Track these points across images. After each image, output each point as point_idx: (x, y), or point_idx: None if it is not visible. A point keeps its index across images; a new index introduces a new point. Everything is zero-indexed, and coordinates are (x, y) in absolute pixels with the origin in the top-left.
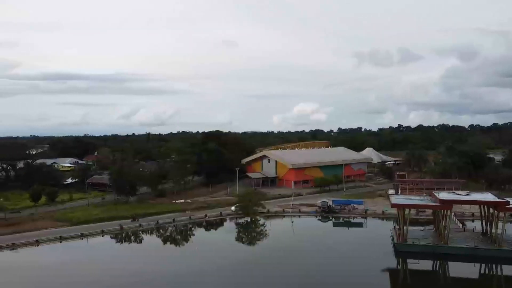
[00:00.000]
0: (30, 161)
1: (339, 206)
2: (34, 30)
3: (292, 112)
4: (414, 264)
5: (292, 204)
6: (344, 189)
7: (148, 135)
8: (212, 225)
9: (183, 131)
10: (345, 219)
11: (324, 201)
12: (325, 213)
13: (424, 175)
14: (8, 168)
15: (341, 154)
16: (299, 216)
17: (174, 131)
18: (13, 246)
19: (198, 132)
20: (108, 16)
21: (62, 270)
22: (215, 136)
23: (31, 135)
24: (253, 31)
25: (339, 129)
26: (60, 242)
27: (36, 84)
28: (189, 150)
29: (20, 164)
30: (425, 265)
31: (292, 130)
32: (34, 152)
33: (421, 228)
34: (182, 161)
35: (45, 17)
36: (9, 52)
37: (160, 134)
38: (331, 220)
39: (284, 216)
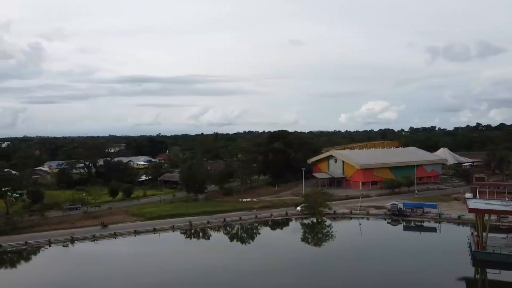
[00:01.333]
0: (109, 159)
1: (410, 209)
2: (112, 37)
3: (361, 111)
4: (494, 275)
5: (360, 206)
6: (416, 192)
7: (216, 134)
8: (278, 224)
9: (250, 131)
10: (416, 223)
11: (394, 204)
12: (395, 216)
13: (506, 178)
14: (90, 165)
15: (412, 154)
16: (367, 219)
17: (241, 131)
18: (94, 238)
19: (264, 131)
20: (179, 20)
21: (135, 261)
22: (281, 136)
23: (109, 135)
24: (318, 28)
25: (411, 128)
26: (135, 235)
27: (114, 87)
28: (255, 149)
29: (100, 162)
30: (507, 276)
31: (360, 129)
32: (112, 151)
33: (503, 235)
34: (248, 160)
35: (122, 24)
36: (90, 58)
37: (227, 134)
38: (401, 223)
39: (351, 218)
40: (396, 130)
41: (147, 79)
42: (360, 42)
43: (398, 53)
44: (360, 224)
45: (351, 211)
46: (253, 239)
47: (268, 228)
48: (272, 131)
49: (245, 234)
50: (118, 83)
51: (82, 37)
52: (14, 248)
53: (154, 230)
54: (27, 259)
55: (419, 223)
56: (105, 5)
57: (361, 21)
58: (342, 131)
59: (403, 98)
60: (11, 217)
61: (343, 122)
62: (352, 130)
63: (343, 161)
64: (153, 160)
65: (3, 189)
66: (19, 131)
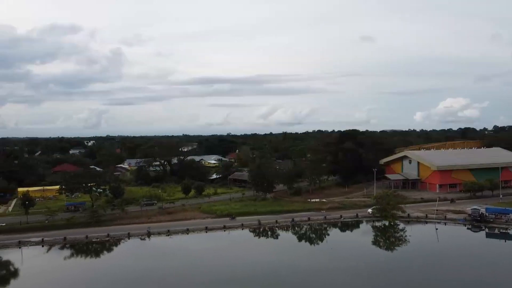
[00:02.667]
0: (182, 158)
1: (494, 215)
2: (185, 40)
3: (438, 108)
4: None
5: (437, 210)
6: (501, 196)
7: (284, 134)
8: (348, 226)
9: (319, 130)
10: (501, 230)
11: (475, 208)
12: (476, 222)
13: None
14: (165, 163)
15: (497, 155)
16: (445, 224)
17: (310, 130)
18: (168, 233)
19: (334, 131)
20: (248, 21)
21: (207, 256)
22: (352, 135)
23: (183, 134)
24: (390, 23)
25: (495, 127)
26: (206, 232)
27: (187, 88)
28: (324, 149)
29: (174, 160)
30: None
31: (437, 128)
32: (185, 150)
33: None
34: (317, 160)
35: (194, 28)
36: (166, 61)
37: (296, 133)
38: (483, 230)
39: (426, 222)
40: (478, 129)
41: (218, 80)
42: (437, 35)
43: (480, 46)
44: (436, 229)
45: (426, 215)
46: (322, 240)
47: (337, 230)
48: (342, 130)
49: (313, 235)
50: (191, 85)
51: (158, 41)
52: (98, 239)
53: (224, 228)
54: (109, 250)
55: (504, 231)
56: (179, 11)
57: (437, 13)
58: (417, 130)
59: (486, 95)
60: (95, 210)
61: (419, 120)
62: (428, 129)
63: (418, 162)
64: (223, 159)
65: (89, 184)
66: (103, 131)
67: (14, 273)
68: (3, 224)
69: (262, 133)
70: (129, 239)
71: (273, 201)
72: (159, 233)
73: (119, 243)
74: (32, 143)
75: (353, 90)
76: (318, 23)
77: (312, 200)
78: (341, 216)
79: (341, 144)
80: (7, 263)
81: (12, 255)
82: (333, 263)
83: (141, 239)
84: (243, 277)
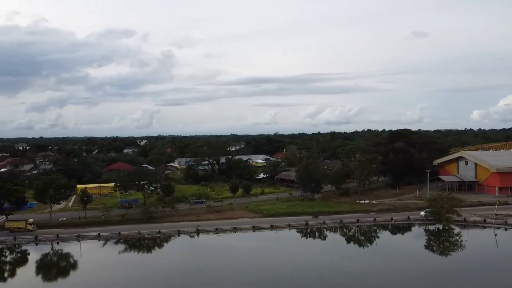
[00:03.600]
0: (230, 157)
1: None
2: (234, 41)
3: (498, 106)
4: None
5: (496, 214)
6: None
7: (333, 133)
8: (399, 229)
9: (369, 130)
10: None
11: None
12: None
13: None
14: (214, 162)
15: None
16: (505, 229)
17: (359, 129)
18: (216, 231)
19: (384, 130)
20: (295, 21)
21: (254, 255)
22: (403, 135)
23: (231, 134)
24: (445, 18)
25: None
26: (253, 231)
27: (235, 88)
28: (374, 149)
29: (222, 160)
30: None
31: (497, 128)
32: (233, 149)
33: None
34: (367, 160)
35: (242, 29)
36: (214, 62)
37: (344, 133)
38: None
39: (484, 227)
40: None
41: (265, 80)
42: (498, 29)
43: None
44: (495, 234)
45: (485, 219)
46: (371, 242)
47: (387, 233)
48: (393, 129)
49: (362, 237)
50: (238, 85)
51: (207, 43)
52: (150, 236)
53: (271, 227)
54: (160, 246)
55: None
56: (227, 12)
57: (494, 7)
58: (475, 129)
59: None
60: (147, 207)
61: (476, 119)
62: (486, 128)
63: (476, 163)
64: (270, 158)
65: (142, 182)
66: (154, 131)
67: (74, 265)
68: (64, 219)
69: (310, 132)
70: (179, 236)
71: (320, 202)
72: (207, 231)
73: (170, 240)
74: (90, 143)
75: (404, 88)
76: (368, 19)
77: (361, 202)
78: (391, 219)
79: (391, 144)
80: (68, 255)
81: (71, 248)
82: (383, 267)
83: (190, 236)
84: (290, 277)
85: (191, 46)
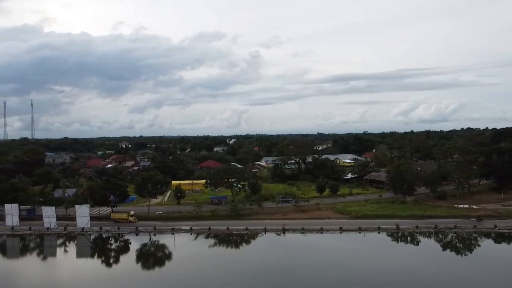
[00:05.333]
0: (317, 156)
1: None
2: (321, 39)
3: None
4: None
5: None
6: None
7: (427, 132)
8: (504, 238)
9: (468, 128)
10: None
11: None
12: None
13: None
14: (300, 161)
15: None
16: None
17: (458, 128)
18: (302, 230)
19: (487, 128)
20: (382, 14)
21: (341, 256)
22: (509, 134)
23: (317, 133)
24: None
25: None
26: (340, 232)
27: (322, 87)
28: (475, 149)
29: (309, 159)
30: None
31: None
32: (320, 148)
33: None
34: (466, 161)
35: (329, 26)
36: (301, 61)
37: (441, 131)
38: None
39: None
40: None
41: (354, 77)
42: None
43: None
44: None
45: None
46: (471, 251)
47: (490, 241)
48: (497, 128)
49: (461, 245)
50: (326, 83)
51: (295, 42)
52: (238, 232)
53: (359, 229)
54: (248, 242)
55: None
56: (314, 10)
57: None
58: None
59: None
60: (236, 204)
61: None
62: None
63: None
64: (359, 158)
65: (230, 180)
66: (242, 130)
67: (168, 256)
68: (160, 212)
69: (402, 131)
70: (265, 233)
71: (413, 205)
72: (293, 230)
73: (256, 237)
74: (183, 141)
75: (509, 82)
76: (465, 8)
77: (459, 206)
78: (495, 226)
79: (495, 144)
80: (163, 246)
81: (167, 240)
82: (483, 278)
83: (277, 234)
84: (377, 281)
85: (278, 45)
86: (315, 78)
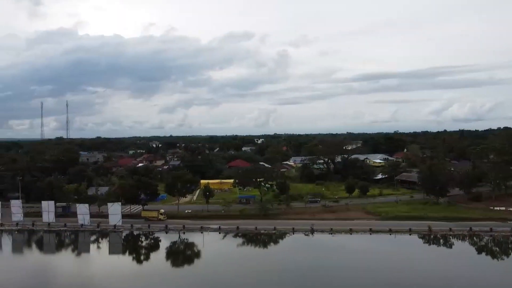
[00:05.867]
0: (346, 156)
1: None
2: (350, 37)
3: None
4: None
5: None
6: None
7: (461, 132)
8: None
9: (506, 127)
10: None
11: None
12: None
13: None
14: (329, 161)
15: None
16: None
17: (494, 127)
18: (331, 231)
19: None
20: (413, 11)
21: (371, 257)
22: None
23: (347, 132)
24: None
25: None
26: (370, 233)
27: (352, 85)
28: None
29: (338, 159)
30: None
31: None
32: (349, 148)
33: None
34: (503, 162)
35: (358, 24)
36: (330, 60)
37: (476, 131)
38: None
39: None
40: None
41: (384, 76)
42: None
43: None
44: None
45: None
46: (508, 255)
47: None
48: None
49: (497, 248)
50: (355, 82)
51: (323, 41)
52: (266, 231)
53: (390, 231)
54: (276, 242)
55: None
56: (343, 8)
57: None
58: None
59: None
60: (264, 204)
61: None
62: None
63: None
64: (390, 158)
65: (258, 179)
66: (270, 129)
67: (197, 254)
68: (190, 211)
69: (434, 130)
70: (293, 233)
71: (446, 207)
72: (322, 231)
73: (284, 237)
74: (212, 141)
75: None
76: (500, 4)
77: (495, 208)
78: None
79: None
80: (192, 244)
81: (196, 238)
82: None
83: (305, 234)
84: (408, 283)
85: (307, 44)
86: (344, 77)
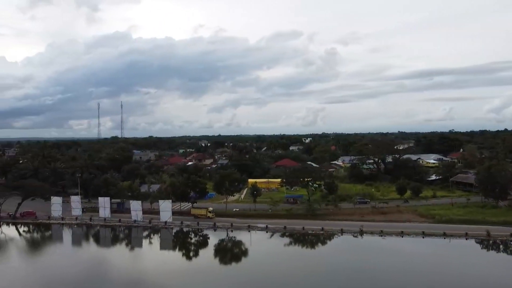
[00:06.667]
0: (397, 156)
1: None
2: (402, 33)
3: None
4: None
5: None
6: None
7: None
8: None
9: None
10: None
11: None
12: None
13: None
14: (379, 161)
15: None
16: None
17: None
18: (381, 233)
19: None
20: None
21: (423, 261)
22: None
23: (398, 131)
24: None
25: None
26: (423, 237)
27: (403, 83)
28: None
29: (389, 159)
30: None
31: None
32: (401, 148)
33: None
34: None
35: (410, 20)
36: (381, 57)
37: None
38: None
39: None
40: None
41: (438, 72)
42: None
43: None
44: None
45: None
46: None
47: None
48: None
49: None
50: (407, 79)
51: (374, 37)
52: (313, 232)
53: (444, 235)
54: (324, 242)
55: None
56: (393, 4)
57: None
58: None
59: None
60: (311, 204)
61: None
62: None
63: None
64: (444, 158)
65: (306, 179)
66: (318, 128)
67: (245, 253)
68: (237, 209)
69: (493, 129)
70: (341, 234)
71: (507, 210)
72: (371, 233)
73: (332, 238)
74: (259, 140)
75: None
76: None
77: None
78: None
79: None
80: (240, 243)
81: (243, 237)
82: None
83: (354, 236)
84: None
85: (356, 41)
86: (396, 74)
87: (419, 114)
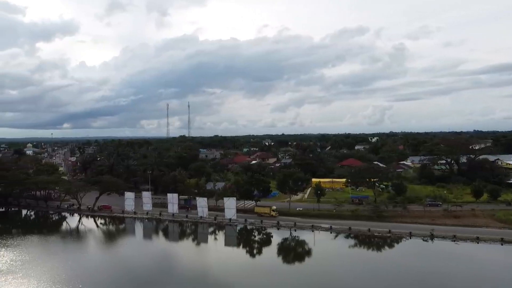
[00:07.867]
0: (472, 156)
1: None
2: (479, 25)
3: None
4: None
5: None
6: None
7: None
8: None
9: None
10: None
11: None
12: None
13: None
14: (452, 162)
15: None
16: None
17: None
18: (454, 238)
19: None
20: None
21: (499, 268)
22: None
23: (474, 130)
24: None
25: None
26: (501, 244)
27: (480, 78)
28: None
29: (463, 159)
30: None
31: None
32: (476, 148)
33: None
34: None
35: (487, 10)
36: (454, 51)
37: None
38: None
39: None
40: None
41: None
42: None
43: None
44: None
45: None
46: None
47: None
48: None
49: None
50: (484, 74)
51: (446, 31)
52: (380, 234)
53: None
54: (391, 246)
55: None
56: None
57: None
58: None
59: None
60: (378, 205)
61: None
62: None
63: None
64: None
65: (372, 179)
66: (385, 127)
67: (308, 252)
68: (301, 209)
69: None
70: (410, 238)
71: None
72: (443, 237)
73: (400, 241)
74: (323, 139)
75: None
76: None
77: None
78: None
79: None
80: (303, 242)
81: (306, 236)
82: None
83: (424, 240)
84: None
85: (427, 36)
86: (471, 69)
87: (498, 111)
